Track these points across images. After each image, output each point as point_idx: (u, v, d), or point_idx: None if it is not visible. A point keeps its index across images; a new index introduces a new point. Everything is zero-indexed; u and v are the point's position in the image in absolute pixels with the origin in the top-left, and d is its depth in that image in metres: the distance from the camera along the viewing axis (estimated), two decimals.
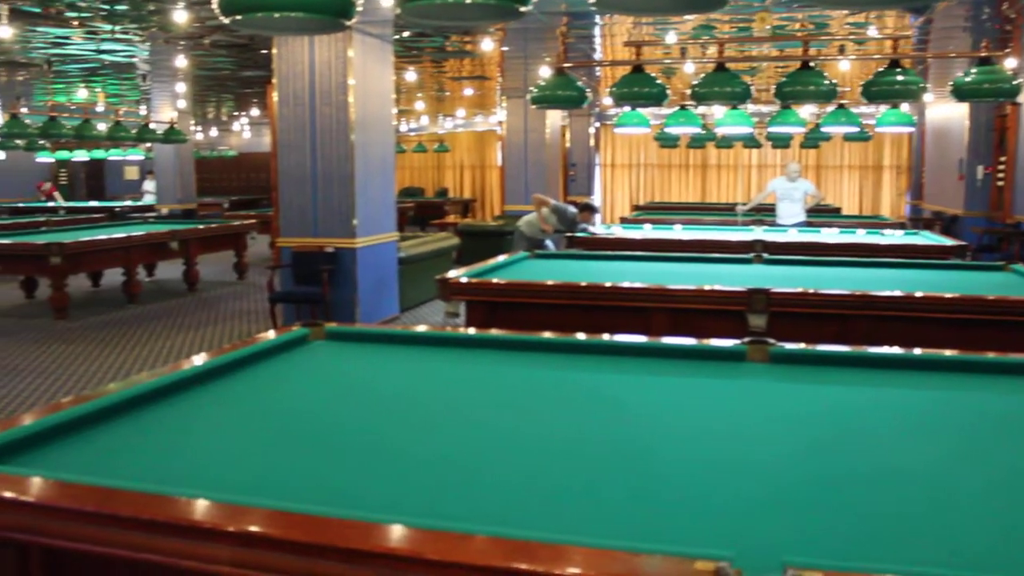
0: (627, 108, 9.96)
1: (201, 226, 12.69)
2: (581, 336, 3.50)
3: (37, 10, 8.77)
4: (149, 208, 19.87)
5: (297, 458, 2.23)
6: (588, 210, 10.14)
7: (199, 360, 3.01)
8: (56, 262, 9.51)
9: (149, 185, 21.74)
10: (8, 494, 1.90)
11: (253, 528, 1.68)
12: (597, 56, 12.28)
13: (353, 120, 7.94)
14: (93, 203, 23.00)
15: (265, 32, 6.87)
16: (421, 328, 3.77)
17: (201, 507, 1.77)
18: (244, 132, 27.93)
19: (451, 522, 1.67)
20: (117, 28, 9.86)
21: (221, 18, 2.71)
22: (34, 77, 14.25)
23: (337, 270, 8.17)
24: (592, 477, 2.09)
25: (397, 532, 1.63)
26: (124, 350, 8.24)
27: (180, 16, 8.92)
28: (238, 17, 2.67)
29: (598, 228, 10.28)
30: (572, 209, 10.08)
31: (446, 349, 3.47)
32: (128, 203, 21.95)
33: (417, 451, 2.28)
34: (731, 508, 1.88)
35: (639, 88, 6.92)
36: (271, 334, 3.45)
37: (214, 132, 28.06)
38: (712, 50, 11.19)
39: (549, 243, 9.86)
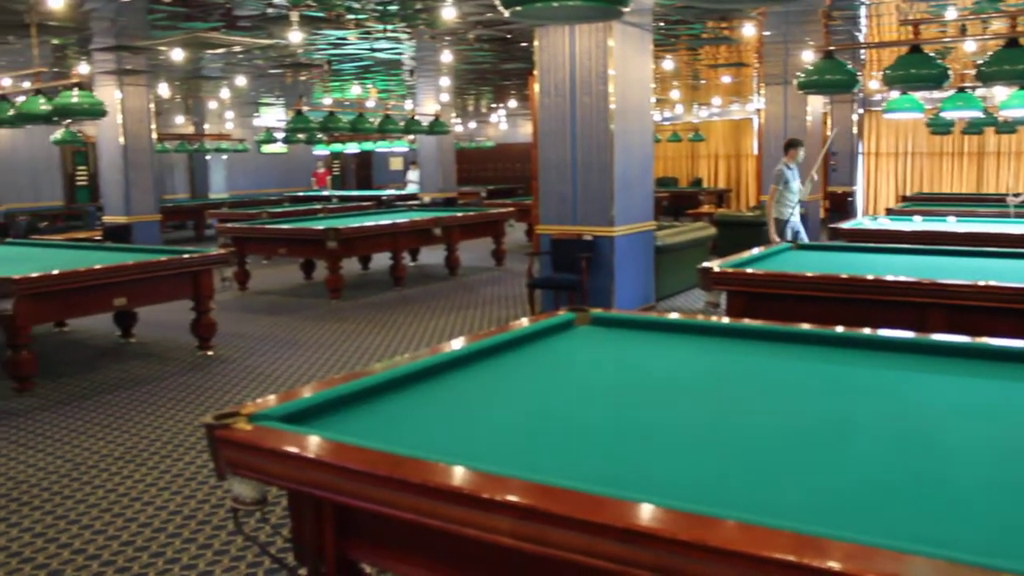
0: (896, 93, 9.39)
1: (461, 214, 13.20)
2: (841, 329, 3.35)
3: (321, 14, 9.47)
4: (412, 197, 20.93)
5: (565, 438, 2.28)
6: (792, 146, 9.79)
7: (481, 339, 3.16)
8: (333, 246, 10.25)
9: (412, 175, 22.95)
10: (310, 454, 2.07)
11: (534, 503, 1.72)
12: (861, 38, 11.65)
13: (612, 109, 7.97)
14: (362, 192, 24.61)
15: (541, 22, 6.98)
16: (681, 316, 3.73)
17: (485, 479, 1.84)
18: (501, 123, 28.89)
19: (719, 509, 1.64)
20: (389, 27, 10.47)
21: (502, 11, 2.80)
22: (315, 77, 15.41)
23: (595, 258, 8.25)
24: (866, 477, 1.98)
25: (676, 517, 1.62)
26: (390, 329, 8.75)
27: (448, 12, 9.32)
28: (518, 8, 2.76)
29: (804, 187, 9.87)
30: (778, 166, 9.86)
31: (706, 338, 3.44)
32: (393, 192, 23.25)
33: (681, 438, 2.27)
34: None
35: (917, 70, 6.47)
36: (524, 321, 3.54)
37: (473, 124, 29.19)
38: (996, 25, 10.33)
39: (799, 227, 9.66)
